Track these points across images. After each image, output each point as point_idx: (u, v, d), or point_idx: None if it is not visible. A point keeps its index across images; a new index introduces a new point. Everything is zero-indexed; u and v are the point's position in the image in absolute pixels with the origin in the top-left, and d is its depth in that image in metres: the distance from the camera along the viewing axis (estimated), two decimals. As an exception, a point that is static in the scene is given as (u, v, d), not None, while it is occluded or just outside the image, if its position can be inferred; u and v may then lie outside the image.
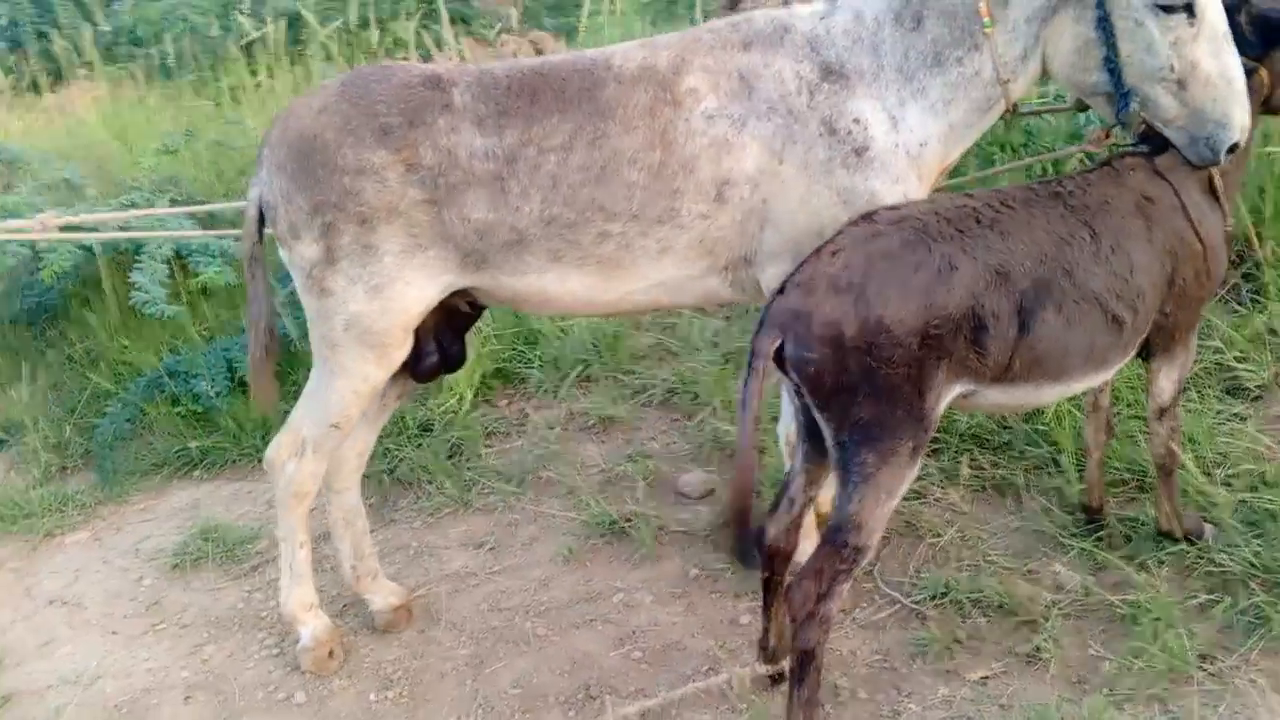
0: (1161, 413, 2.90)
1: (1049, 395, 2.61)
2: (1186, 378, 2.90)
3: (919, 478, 3.54)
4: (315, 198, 2.73)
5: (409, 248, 2.74)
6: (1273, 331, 3.63)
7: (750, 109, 2.71)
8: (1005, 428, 3.62)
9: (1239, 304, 3.82)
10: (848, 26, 2.75)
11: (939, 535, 3.30)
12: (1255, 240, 3.78)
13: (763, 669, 2.82)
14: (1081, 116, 3.93)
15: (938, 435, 3.67)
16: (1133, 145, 2.80)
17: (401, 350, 2.90)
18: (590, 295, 2.85)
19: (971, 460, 3.58)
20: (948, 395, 2.42)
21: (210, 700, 3.15)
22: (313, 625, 3.16)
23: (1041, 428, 3.54)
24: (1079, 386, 2.65)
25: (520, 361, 4.67)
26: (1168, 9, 2.52)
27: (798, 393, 2.44)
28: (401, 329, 2.85)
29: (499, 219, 2.72)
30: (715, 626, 3.12)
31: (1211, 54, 2.54)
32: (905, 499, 3.43)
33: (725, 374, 4.17)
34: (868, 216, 2.47)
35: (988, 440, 3.64)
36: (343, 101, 2.75)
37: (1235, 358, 3.61)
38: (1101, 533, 3.13)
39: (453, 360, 3.14)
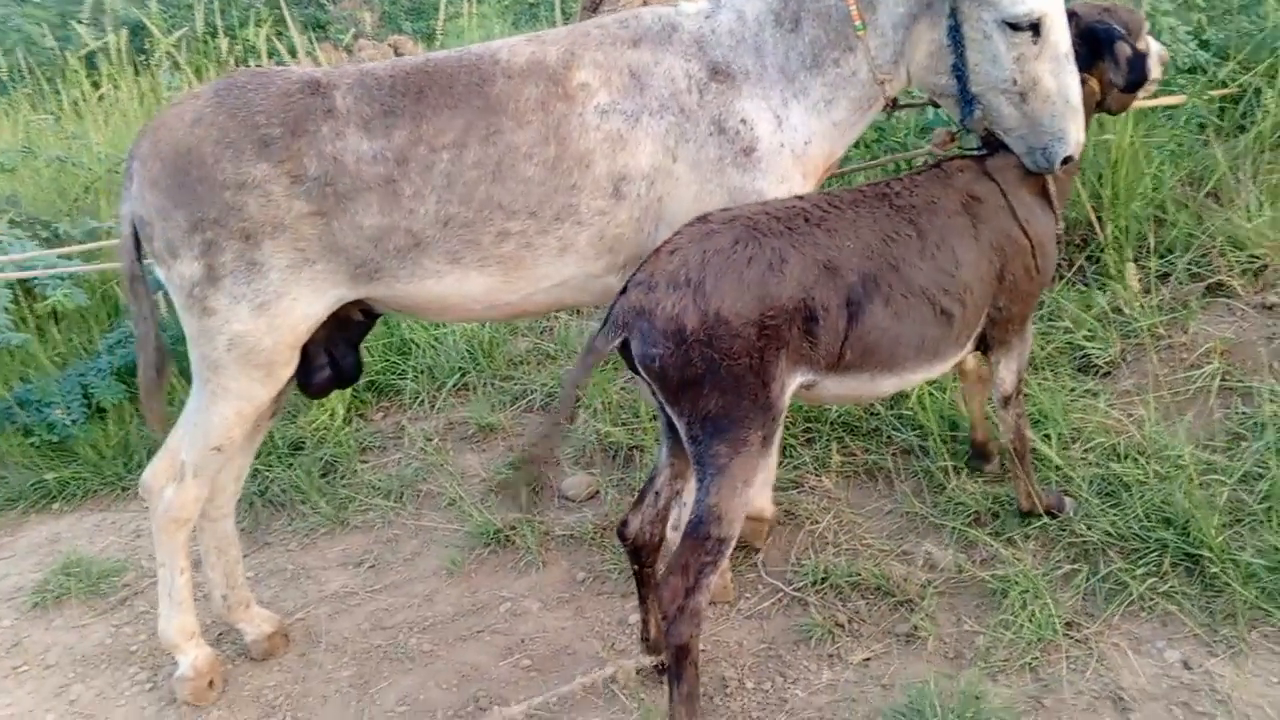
0: (1006, 401, 3.03)
1: (886, 385, 2.69)
2: (1027, 365, 3.04)
3: (794, 466, 3.63)
4: (194, 215, 2.62)
5: (296, 262, 2.66)
6: (1117, 310, 3.82)
7: (643, 105, 2.72)
8: (873, 414, 3.73)
9: (1085, 285, 4.01)
10: (732, 27, 2.79)
11: (816, 522, 3.37)
12: (1096, 224, 3.98)
13: (647, 660, 2.85)
14: (930, 112, 4.08)
15: (810, 424, 3.76)
16: (975, 149, 2.93)
17: (288, 368, 2.82)
18: (492, 298, 2.80)
19: (843, 447, 3.68)
20: (791, 384, 2.49)
21: (78, 744, 3.00)
22: (193, 654, 3.05)
23: (907, 413, 3.66)
24: (915, 378, 2.74)
25: (394, 373, 4.59)
26: (1015, 27, 2.63)
27: (651, 390, 2.49)
28: (288, 347, 2.76)
29: (393, 223, 2.65)
30: (604, 628, 3.13)
31: (1052, 72, 2.68)
32: (782, 487, 3.53)
33: (605, 376, 4.18)
34: (702, 218, 2.54)
35: (857, 427, 3.74)
36: (219, 112, 2.64)
37: (1084, 336, 3.79)
38: (970, 513, 3.25)
39: (347, 373, 3.05)
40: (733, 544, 2.47)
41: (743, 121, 2.73)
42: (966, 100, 2.74)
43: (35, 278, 4.71)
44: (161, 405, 3.01)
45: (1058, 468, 3.26)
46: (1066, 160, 2.75)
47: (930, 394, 3.63)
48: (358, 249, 2.67)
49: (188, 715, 3.02)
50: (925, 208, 2.68)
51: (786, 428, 3.72)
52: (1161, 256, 3.94)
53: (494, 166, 2.65)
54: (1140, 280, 3.86)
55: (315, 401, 4.33)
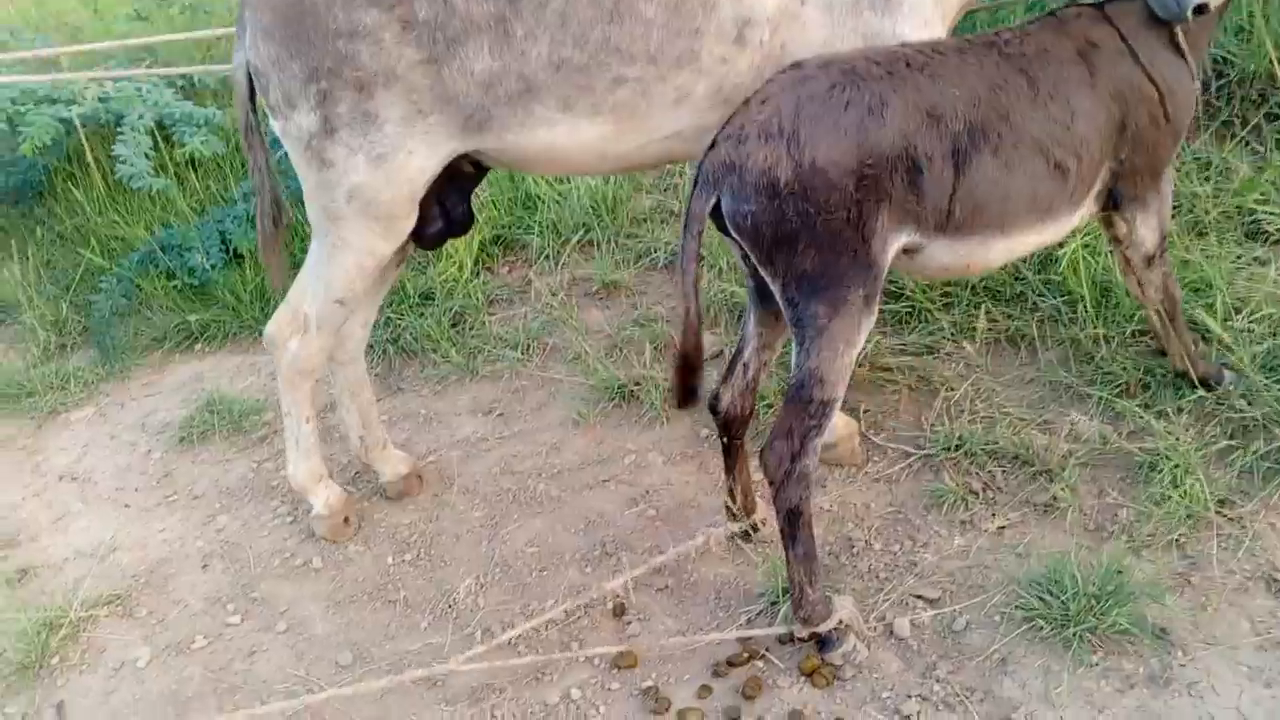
0: (1149, 261, 2.83)
1: (997, 251, 2.53)
2: (1169, 221, 2.83)
3: (930, 332, 3.50)
4: (308, 64, 2.57)
5: (410, 115, 2.60)
6: (1295, 173, 3.52)
7: None
8: (1018, 278, 3.55)
9: (1259, 145, 3.70)
10: None
11: (952, 389, 3.26)
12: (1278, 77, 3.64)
13: (734, 527, 2.83)
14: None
15: (949, 288, 3.61)
16: None
17: (408, 221, 2.80)
18: (603, 148, 2.71)
19: (984, 312, 3.52)
20: (894, 243, 2.36)
21: (228, 568, 3.16)
22: (324, 495, 3.16)
23: (1055, 278, 3.47)
24: (1030, 241, 2.57)
25: (519, 228, 4.56)
26: None
27: (743, 254, 2.40)
28: (406, 200, 2.73)
29: (504, 66, 2.56)
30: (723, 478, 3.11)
31: None
32: (917, 353, 3.42)
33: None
34: (796, 64, 2.40)
35: (1000, 292, 3.57)
36: None
37: (1255, 201, 3.51)
38: (1119, 383, 3.09)
39: (458, 224, 3.02)
40: (837, 406, 2.39)
41: None
42: None
43: (174, 126, 4.80)
44: (280, 258, 3.03)
45: (1219, 340, 3.06)
46: (1200, 10, 2.51)
47: (1083, 259, 3.42)
48: (468, 96, 2.58)
49: (327, 548, 3.15)
50: (1037, 56, 2.49)
51: (923, 291, 3.58)
52: (1350, 116, 3.60)
53: (611, 6, 2.51)
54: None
55: (443, 253, 4.35)
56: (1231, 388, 2.95)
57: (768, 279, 2.38)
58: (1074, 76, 2.51)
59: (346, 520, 3.17)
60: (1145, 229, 2.79)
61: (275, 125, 2.75)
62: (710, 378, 3.50)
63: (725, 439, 2.73)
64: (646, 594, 2.76)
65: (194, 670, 2.80)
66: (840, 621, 2.45)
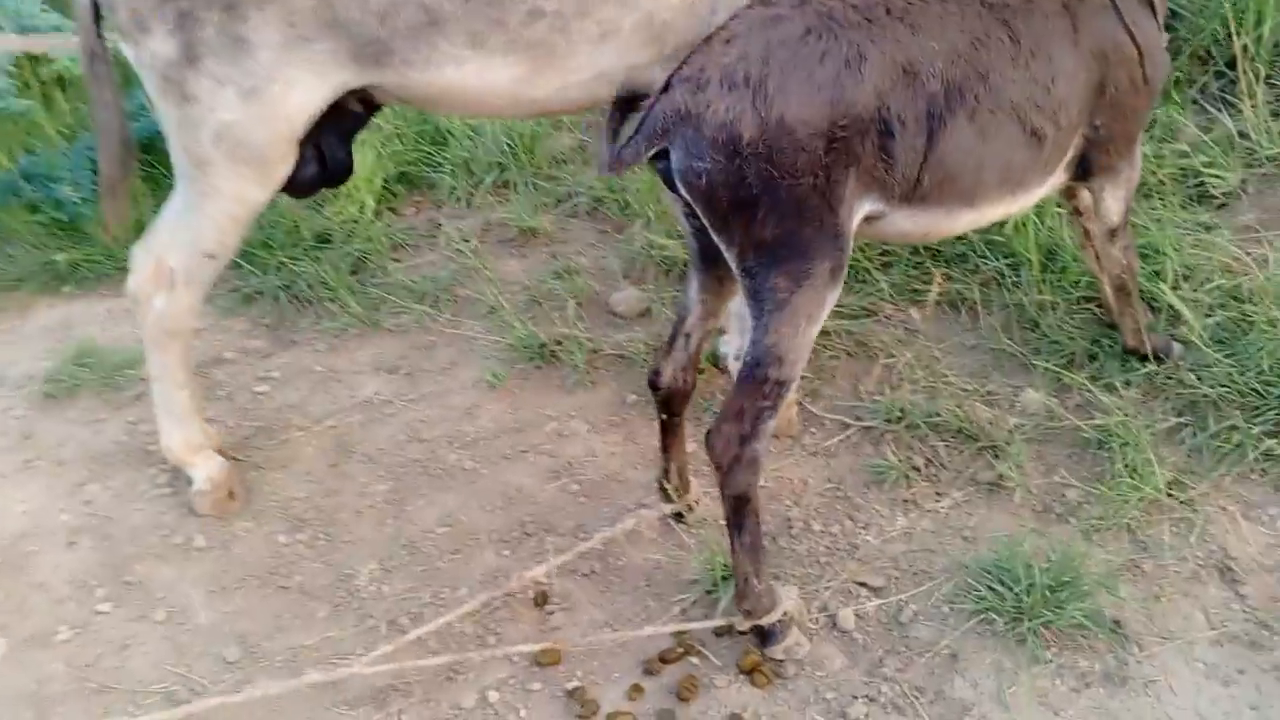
0: (1113, 234, 2.69)
1: (961, 222, 2.36)
2: (1135, 193, 2.69)
3: (868, 294, 3.32)
4: None
5: (289, 40, 2.28)
6: (1243, 135, 3.41)
7: None
8: (960, 238, 3.37)
9: (1208, 105, 3.57)
10: None
11: (892, 355, 3.09)
12: (1234, 34, 3.49)
13: (667, 508, 2.63)
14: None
15: (888, 248, 3.42)
16: None
17: (285, 165, 2.47)
18: (516, 90, 2.43)
19: (924, 274, 3.35)
20: (859, 211, 2.16)
21: (97, 545, 2.82)
22: (204, 467, 2.84)
23: (999, 238, 3.30)
24: (995, 213, 2.40)
25: (427, 165, 4.21)
26: None
27: (689, 214, 2.17)
28: (285, 140, 2.41)
29: None
30: (656, 455, 2.88)
31: None
32: (854, 315, 3.23)
33: (658, 182, 3.80)
34: (765, 0, 2.14)
35: (940, 252, 3.40)
36: None
37: (1202, 163, 3.39)
38: (1065, 354, 2.96)
39: (336, 171, 2.68)
40: (794, 386, 2.20)
41: None
42: None
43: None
44: (124, 206, 2.72)
45: (1169, 309, 2.94)
46: None
47: (1030, 220, 3.26)
48: (362, 25, 2.29)
49: (210, 524, 2.83)
50: (1021, 7, 2.27)
51: (861, 250, 3.39)
52: (1299, 77, 3.49)
53: None
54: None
55: (343, 190, 3.99)
56: (1179, 360, 2.84)
57: (721, 246, 2.14)
58: (1058, 31, 2.30)
59: (231, 494, 2.86)
60: (1112, 200, 2.64)
61: (126, 52, 2.38)
62: (637, 340, 3.28)
63: (665, 416, 2.50)
64: (571, 581, 2.54)
65: (57, 667, 2.47)
66: (785, 614, 2.26)
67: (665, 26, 2.38)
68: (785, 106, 1.99)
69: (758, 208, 2.03)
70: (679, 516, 2.63)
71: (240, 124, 2.35)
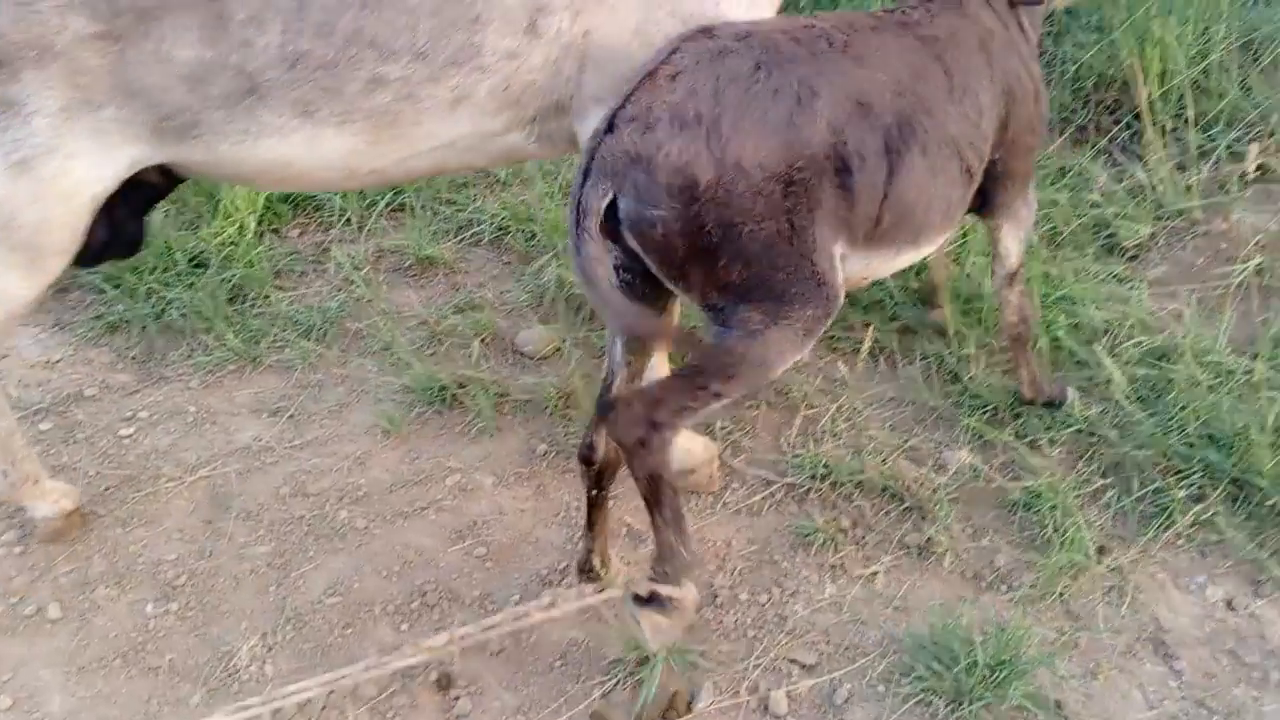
0: (1011, 278, 2.68)
1: (902, 260, 2.31)
2: (1031, 236, 2.73)
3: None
4: None
5: (74, 105, 1.98)
6: (1151, 187, 3.42)
7: None
8: (876, 283, 3.28)
9: (1116, 155, 3.59)
10: None
11: (813, 406, 2.96)
12: (1139, 85, 3.50)
13: (589, 593, 2.41)
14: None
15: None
16: None
17: (62, 257, 2.13)
18: (353, 164, 2.19)
19: (840, 320, 3.24)
20: (837, 255, 2.04)
21: (-71, 616, 2.48)
22: (47, 499, 2.59)
23: (915, 285, 3.23)
24: (930, 250, 2.37)
25: (395, 188, 3.89)
26: None
27: (624, 268, 2.02)
28: (64, 225, 2.08)
29: (219, 58, 1.98)
30: (569, 513, 2.70)
31: None
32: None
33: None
34: (706, 31, 2.02)
35: (856, 298, 3.30)
36: None
37: (1113, 214, 3.39)
38: (988, 407, 2.89)
39: (126, 243, 2.35)
40: (722, 405, 2.06)
41: None
42: None
43: None
44: None
45: (1082, 363, 2.91)
46: None
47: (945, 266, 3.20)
48: (167, 92, 2.00)
49: (67, 591, 2.52)
50: (948, 41, 2.24)
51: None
52: (1203, 130, 3.52)
53: None
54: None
55: (220, 210, 3.66)
56: (1073, 405, 2.81)
57: (679, 292, 2.01)
58: (978, 68, 2.28)
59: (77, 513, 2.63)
60: (1011, 240, 2.64)
61: None
62: (548, 383, 3.07)
63: (595, 491, 2.29)
64: (478, 659, 2.31)
65: (-124, 769, 2.14)
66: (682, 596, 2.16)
67: (525, 89, 2.19)
68: (742, 148, 1.87)
69: (719, 255, 1.91)
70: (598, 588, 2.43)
71: (8, 201, 2.01)
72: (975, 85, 2.25)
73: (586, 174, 1.93)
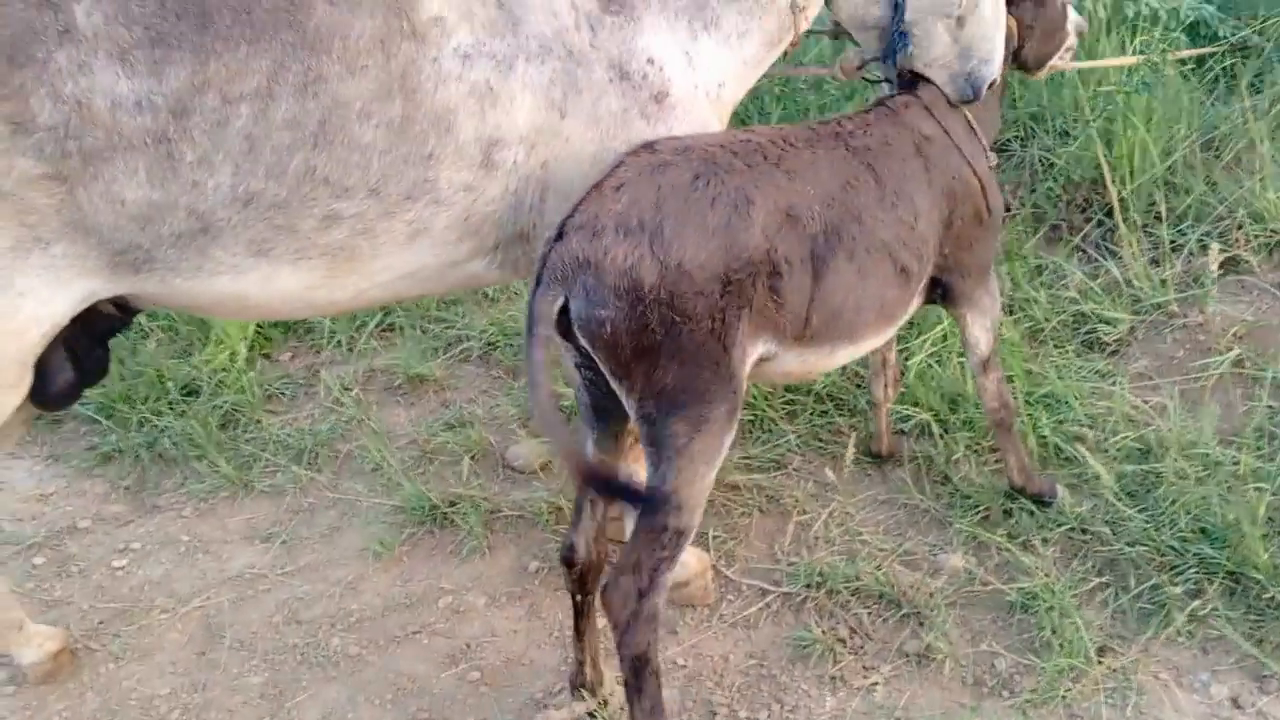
0: (985, 365, 2.76)
1: (841, 357, 2.42)
2: (1000, 324, 2.79)
3: (775, 444, 3.21)
4: None
5: (23, 243, 1.98)
6: (1128, 283, 3.48)
7: (518, 47, 2.17)
8: (859, 386, 3.32)
9: (1091, 252, 3.66)
10: None
11: (805, 512, 2.97)
12: (1108, 184, 3.60)
13: (580, 708, 2.40)
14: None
15: (792, 396, 3.34)
16: (885, 79, 2.69)
17: (15, 392, 2.12)
18: (310, 296, 2.22)
19: (829, 423, 3.27)
20: (752, 353, 2.15)
21: (-86, 764, 2.43)
22: (31, 644, 2.55)
23: (902, 388, 3.25)
24: (869, 345, 2.48)
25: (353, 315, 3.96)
26: None
27: (584, 365, 2.11)
28: (14, 361, 2.07)
29: (169, 199, 2.01)
30: (563, 632, 2.67)
31: None
32: (764, 468, 3.12)
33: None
34: (648, 146, 2.15)
35: (843, 400, 3.33)
36: None
37: (1092, 310, 3.44)
38: (980, 509, 2.89)
39: (90, 372, 2.36)
40: (692, 535, 2.11)
41: (649, 62, 2.26)
42: (899, 31, 2.49)
43: None
44: None
45: (1070, 459, 2.92)
46: (990, 85, 2.57)
47: (929, 364, 3.24)
48: (117, 231, 2.02)
49: (55, 732, 2.48)
50: (880, 150, 2.39)
51: (765, 398, 3.29)
52: (1174, 226, 3.60)
53: (316, 128, 2.04)
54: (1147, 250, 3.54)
55: (211, 337, 3.71)
56: (1063, 502, 2.82)
57: (621, 394, 2.06)
58: (914, 173, 2.42)
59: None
60: (979, 330, 2.72)
61: None
62: (538, 498, 3.08)
63: (579, 596, 2.29)
64: (474, 790, 2.28)
65: None
66: None
67: (485, 220, 2.25)
68: (683, 252, 1.98)
69: (660, 353, 1.99)
70: (591, 715, 2.39)
71: None
72: (910, 189, 2.38)
73: (539, 281, 2.01)
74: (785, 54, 2.61)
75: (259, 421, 3.49)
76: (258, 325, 3.80)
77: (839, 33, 2.79)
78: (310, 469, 3.29)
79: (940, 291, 2.61)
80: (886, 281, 2.34)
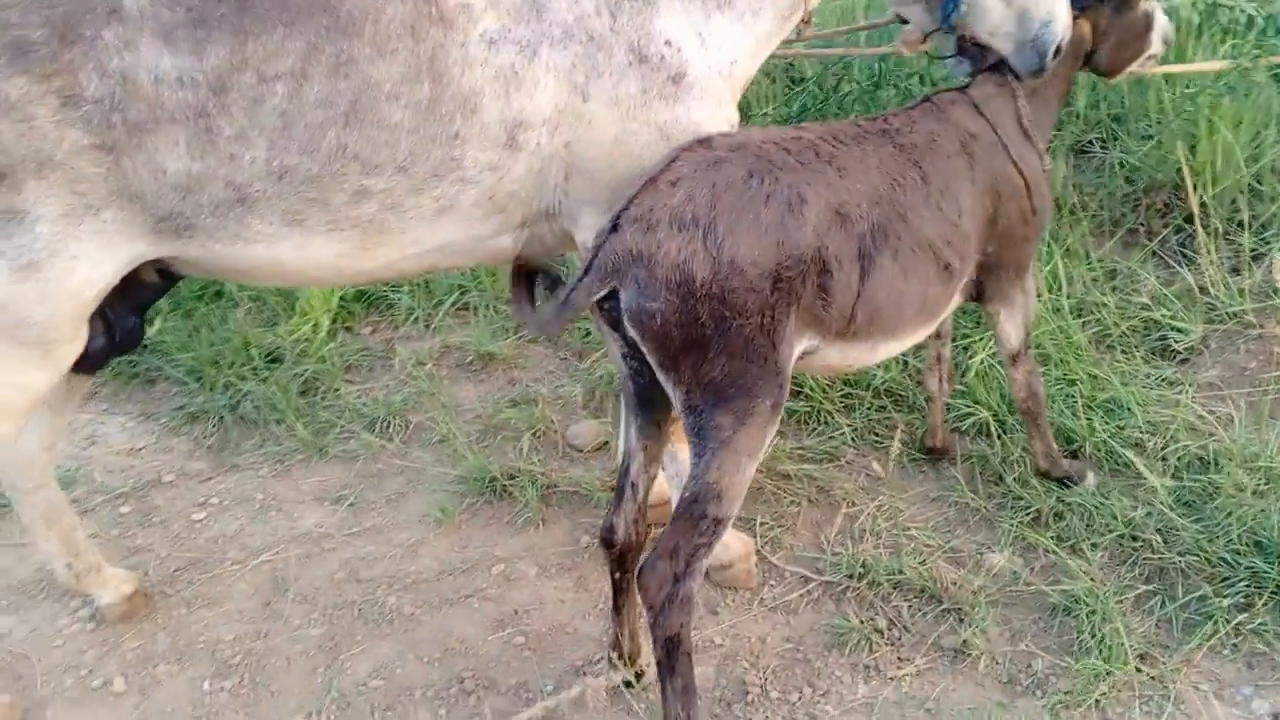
0: (1015, 359, 2.79)
1: (882, 353, 2.45)
2: (1032, 319, 2.79)
3: (830, 436, 3.24)
4: None
5: (75, 210, 2.10)
6: (1203, 290, 3.42)
7: (541, 33, 2.24)
8: (917, 383, 3.32)
9: (1168, 258, 3.60)
10: None
11: (854, 504, 3.00)
12: (1189, 189, 3.54)
13: (616, 676, 2.48)
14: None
15: (850, 390, 3.37)
16: (951, 55, 2.65)
17: (73, 346, 2.25)
18: (343, 265, 2.32)
19: (885, 418, 3.29)
20: (798, 348, 2.19)
21: (8, 687, 2.62)
22: (107, 586, 2.74)
23: (960, 387, 3.26)
24: (910, 341, 2.50)
25: (386, 284, 4.13)
26: None
27: (631, 355, 2.15)
28: (70, 319, 2.20)
29: (207, 171, 2.12)
30: (608, 604, 2.72)
31: None
32: (817, 459, 3.15)
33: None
34: (704, 141, 2.19)
35: (902, 396, 3.35)
36: None
37: (1164, 316, 3.39)
38: (1030, 511, 2.88)
39: (124, 340, 2.47)
40: (730, 524, 2.17)
41: (667, 43, 2.30)
42: None
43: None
44: None
45: (1127, 465, 2.89)
46: (1057, 51, 2.52)
47: (990, 364, 3.23)
48: (160, 199, 2.13)
49: (132, 666, 2.66)
50: (927, 147, 2.41)
51: (823, 391, 3.33)
52: (1257, 234, 3.52)
53: (347, 107, 2.13)
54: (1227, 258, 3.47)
55: (297, 308, 3.90)
56: (1094, 489, 2.85)
57: (667, 385, 2.12)
58: (959, 170, 2.44)
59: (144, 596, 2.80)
60: (1010, 326, 2.75)
61: None
62: (593, 476, 3.17)
63: (618, 574, 2.38)
64: (510, 748, 2.38)
65: (-56, 832, 2.27)
66: None
67: (510, 198, 2.32)
68: (736, 248, 2.02)
69: (709, 347, 2.03)
70: (629, 683, 2.48)
71: (15, 302, 2.12)
72: (955, 187, 2.40)
73: (587, 269, 2.07)
74: (797, 30, 2.61)
75: (336, 390, 3.66)
76: (340, 298, 3.97)
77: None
78: (381, 437, 3.44)
79: (976, 287, 2.64)
80: (929, 279, 2.36)
